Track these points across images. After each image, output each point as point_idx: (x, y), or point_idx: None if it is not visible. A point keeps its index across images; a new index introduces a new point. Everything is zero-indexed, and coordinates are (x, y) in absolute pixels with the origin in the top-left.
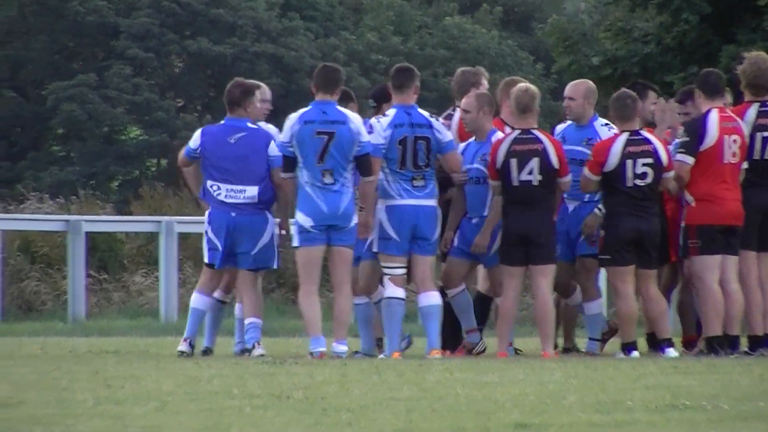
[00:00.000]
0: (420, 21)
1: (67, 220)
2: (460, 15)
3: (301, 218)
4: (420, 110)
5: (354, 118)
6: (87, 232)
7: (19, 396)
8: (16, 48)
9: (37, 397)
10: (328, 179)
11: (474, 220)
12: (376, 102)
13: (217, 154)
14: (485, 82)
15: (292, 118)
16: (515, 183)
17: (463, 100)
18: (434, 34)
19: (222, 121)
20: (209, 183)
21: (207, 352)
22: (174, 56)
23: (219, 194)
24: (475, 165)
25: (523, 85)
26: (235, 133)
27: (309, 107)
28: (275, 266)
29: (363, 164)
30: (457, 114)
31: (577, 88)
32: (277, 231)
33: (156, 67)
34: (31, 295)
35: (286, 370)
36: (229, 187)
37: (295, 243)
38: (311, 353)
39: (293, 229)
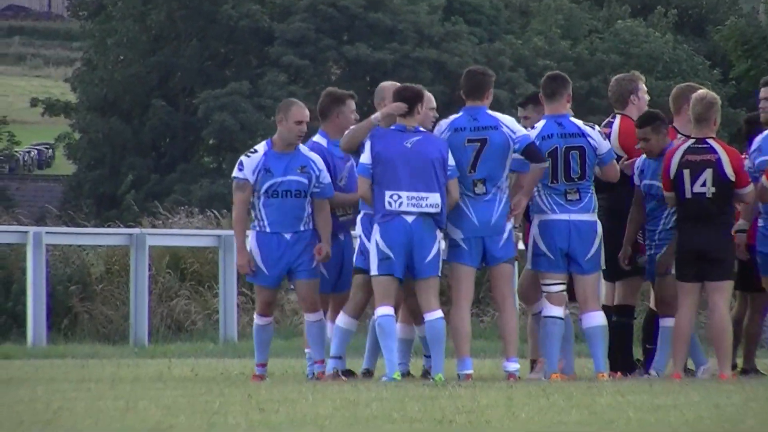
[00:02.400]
0: (590, 25)
1: (218, 236)
2: (632, 18)
3: (452, 230)
4: (573, 119)
5: (505, 119)
6: None
7: (169, 420)
8: (166, 55)
9: (188, 422)
10: (479, 189)
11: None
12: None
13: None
14: (643, 87)
15: (442, 125)
16: (688, 195)
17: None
18: (605, 38)
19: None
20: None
21: (367, 374)
22: (331, 62)
23: (401, 203)
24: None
25: (702, 92)
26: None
27: (459, 114)
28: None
29: (530, 153)
30: (617, 122)
31: None
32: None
33: (312, 74)
34: (181, 314)
35: (448, 393)
36: (411, 194)
37: (445, 257)
38: (458, 375)
39: (444, 243)
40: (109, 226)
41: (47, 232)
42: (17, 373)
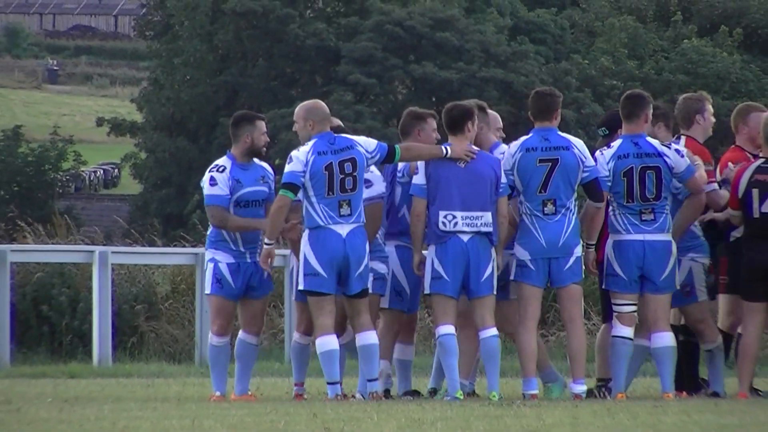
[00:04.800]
0: (656, 45)
1: (284, 255)
2: (699, 37)
3: (519, 251)
4: (650, 139)
5: (576, 142)
6: None
7: None
8: (233, 74)
9: None
10: (549, 209)
11: None
12: (608, 129)
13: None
14: (710, 107)
15: (513, 146)
16: (756, 215)
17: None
18: (671, 58)
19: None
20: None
21: (433, 393)
22: (397, 82)
23: (455, 223)
24: None
25: None
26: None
27: (530, 135)
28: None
29: (592, 190)
30: (682, 143)
31: None
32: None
33: (379, 93)
34: None
35: (513, 412)
36: (465, 214)
37: (512, 276)
38: (523, 395)
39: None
40: (175, 246)
41: (113, 252)
42: (83, 392)
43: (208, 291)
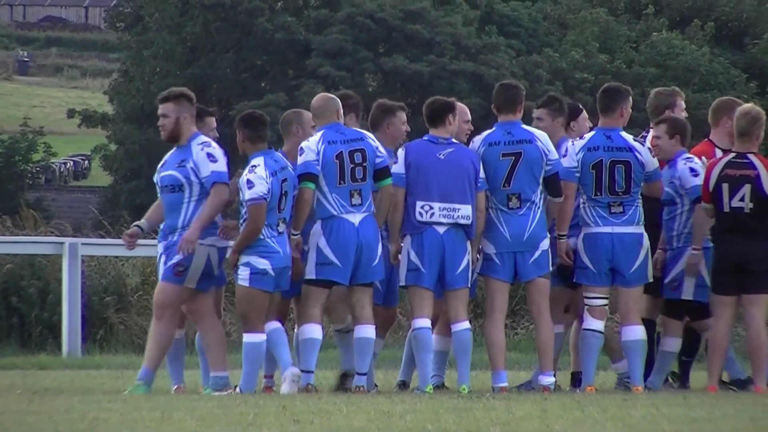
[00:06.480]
0: (626, 37)
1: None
2: (669, 30)
3: (485, 244)
4: (623, 134)
5: (540, 135)
6: None
7: (204, 431)
8: (202, 66)
9: None
10: (513, 203)
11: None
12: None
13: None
14: (681, 103)
15: (476, 141)
16: (726, 209)
17: (653, 129)
18: (641, 50)
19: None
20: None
21: (402, 385)
22: (368, 74)
23: (432, 214)
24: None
25: (747, 106)
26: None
27: (493, 129)
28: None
29: (551, 184)
30: (649, 136)
31: None
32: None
33: (349, 86)
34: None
35: (483, 405)
36: (443, 205)
37: (479, 270)
38: (493, 387)
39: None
40: (145, 238)
41: (83, 243)
42: (53, 384)
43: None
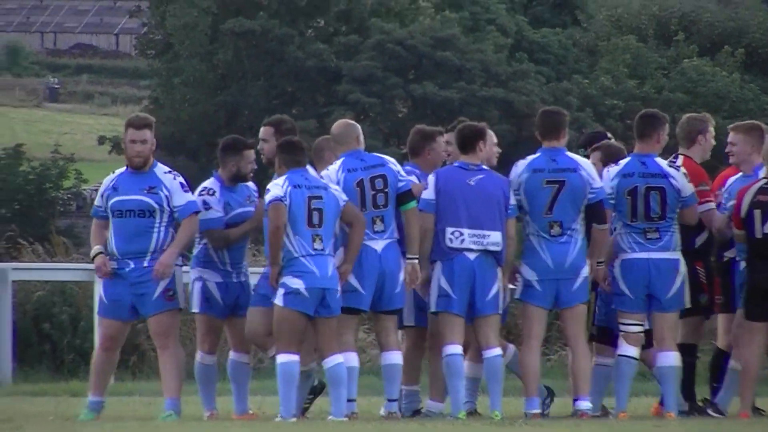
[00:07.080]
0: (656, 63)
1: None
2: (699, 57)
3: (526, 270)
4: (658, 159)
5: (585, 163)
6: None
7: None
8: (233, 93)
9: None
10: (555, 230)
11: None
12: (585, 150)
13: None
14: (712, 129)
15: (520, 165)
16: (758, 235)
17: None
18: (672, 77)
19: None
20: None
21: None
22: (398, 101)
23: (462, 240)
24: None
25: None
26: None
27: (537, 154)
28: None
29: (596, 211)
30: (679, 162)
31: None
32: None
33: (379, 112)
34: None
35: (515, 431)
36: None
37: (518, 295)
38: (525, 414)
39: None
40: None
41: None
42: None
43: (196, 309)
